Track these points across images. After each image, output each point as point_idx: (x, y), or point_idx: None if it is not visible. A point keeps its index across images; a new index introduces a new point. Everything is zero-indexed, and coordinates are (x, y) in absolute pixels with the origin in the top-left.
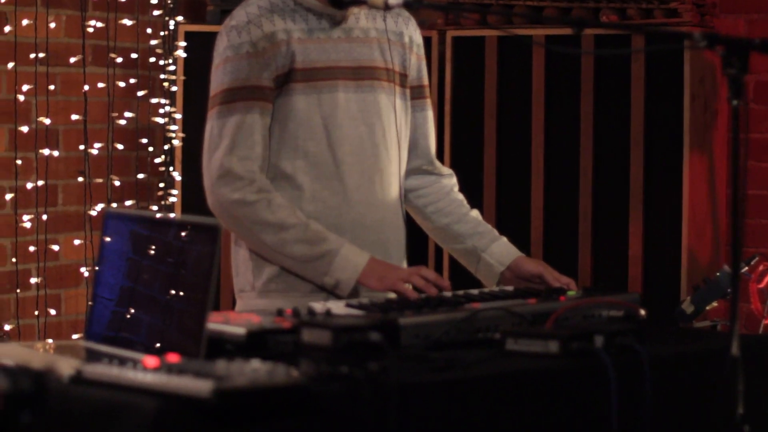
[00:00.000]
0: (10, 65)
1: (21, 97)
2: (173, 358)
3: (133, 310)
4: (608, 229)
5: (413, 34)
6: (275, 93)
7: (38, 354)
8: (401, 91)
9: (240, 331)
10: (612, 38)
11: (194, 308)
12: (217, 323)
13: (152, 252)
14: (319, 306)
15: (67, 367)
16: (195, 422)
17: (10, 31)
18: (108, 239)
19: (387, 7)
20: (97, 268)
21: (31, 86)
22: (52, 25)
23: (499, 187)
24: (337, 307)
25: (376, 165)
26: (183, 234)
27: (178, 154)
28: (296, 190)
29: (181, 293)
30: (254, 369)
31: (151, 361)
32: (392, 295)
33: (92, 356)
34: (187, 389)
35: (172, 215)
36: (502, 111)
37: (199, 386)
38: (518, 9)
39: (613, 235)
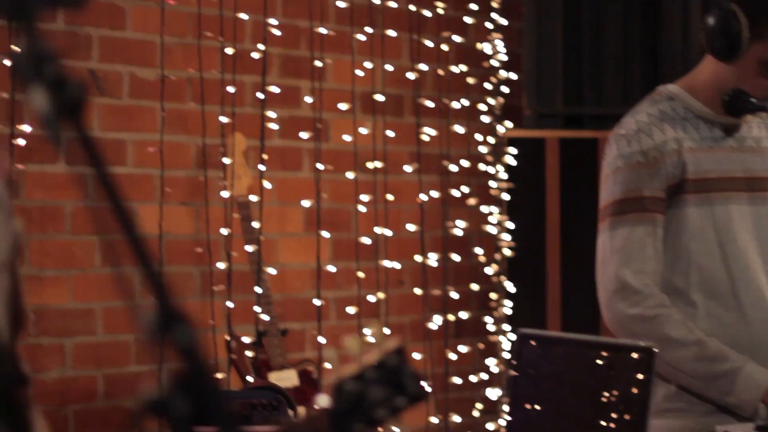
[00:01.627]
0: (350, 174)
1: (362, 207)
2: None
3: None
4: None
5: None
6: (666, 204)
7: None
8: None
9: None
10: None
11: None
12: None
13: (575, 374)
14: (735, 430)
15: None
16: None
17: (350, 141)
18: (522, 360)
19: None
20: (510, 389)
21: (370, 196)
22: (391, 134)
23: None
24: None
25: None
26: (611, 355)
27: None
28: (689, 307)
29: (612, 416)
30: None
31: None
32: None
33: None
34: None
35: (527, 330)
36: None
37: None
38: None
39: None
